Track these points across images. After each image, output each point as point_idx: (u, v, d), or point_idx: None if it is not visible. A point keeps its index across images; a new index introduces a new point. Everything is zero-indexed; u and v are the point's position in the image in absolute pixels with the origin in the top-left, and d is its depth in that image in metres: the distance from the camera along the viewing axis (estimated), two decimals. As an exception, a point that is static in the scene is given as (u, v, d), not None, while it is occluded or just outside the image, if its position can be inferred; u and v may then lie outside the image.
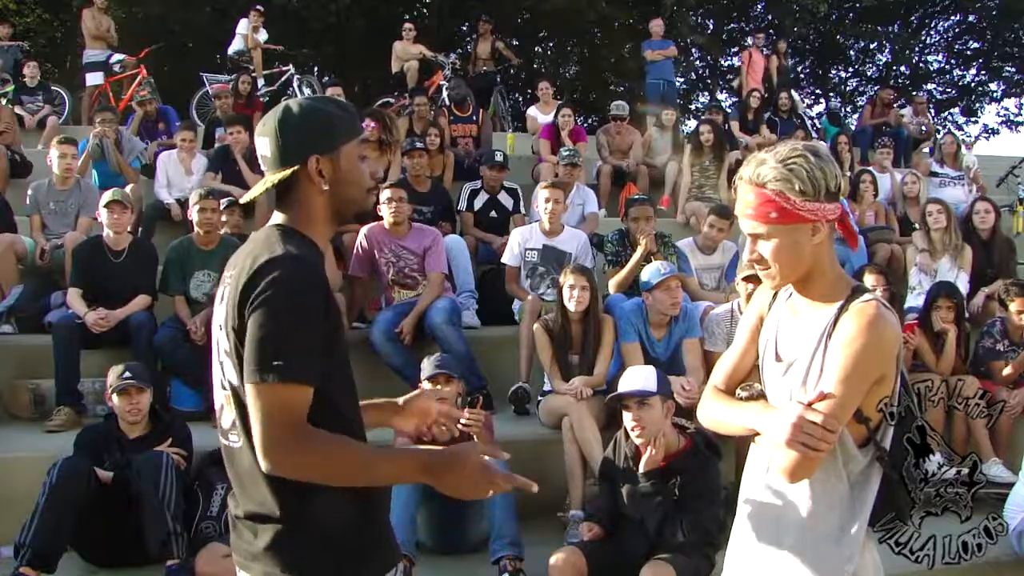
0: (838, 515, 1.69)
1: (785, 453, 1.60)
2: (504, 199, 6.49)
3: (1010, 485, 4.01)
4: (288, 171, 1.55)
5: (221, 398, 1.59)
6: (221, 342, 1.55)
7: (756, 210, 1.64)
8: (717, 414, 1.85)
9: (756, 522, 1.82)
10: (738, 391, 1.83)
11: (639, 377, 3.37)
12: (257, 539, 1.52)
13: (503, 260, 5.51)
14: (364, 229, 5.15)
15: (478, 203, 6.45)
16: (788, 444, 1.57)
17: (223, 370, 1.55)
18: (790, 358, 1.72)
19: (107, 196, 5.03)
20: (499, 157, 6.48)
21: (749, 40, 13.10)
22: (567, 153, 6.68)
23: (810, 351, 1.68)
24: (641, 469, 3.28)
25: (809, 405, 1.58)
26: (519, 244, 5.40)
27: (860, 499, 1.68)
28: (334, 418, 1.49)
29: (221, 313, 1.56)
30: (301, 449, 1.41)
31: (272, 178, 1.57)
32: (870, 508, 1.68)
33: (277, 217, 1.61)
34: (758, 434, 1.73)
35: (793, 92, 11.21)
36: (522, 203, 6.54)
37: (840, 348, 1.61)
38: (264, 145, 1.58)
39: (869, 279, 5.01)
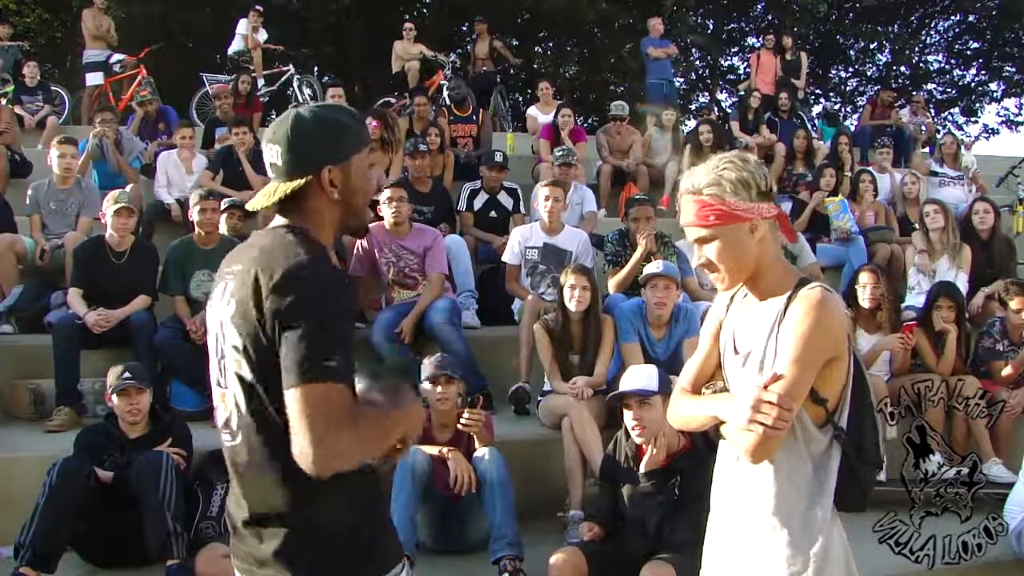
0: (805, 495, 1.77)
1: (746, 434, 1.70)
2: (504, 199, 6.49)
3: (1010, 485, 4.00)
4: (301, 181, 1.55)
5: (218, 396, 1.58)
6: (227, 337, 1.53)
7: (696, 216, 1.78)
8: (684, 411, 1.96)
9: (728, 512, 1.89)
10: (703, 389, 1.94)
11: (640, 376, 3.38)
12: (264, 543, 1.52)
13: (503, 258, 5.51)
14: None
15: (478, 203, 6.45)
16: (747, 424, 1.67)
17: (223, 366, 1.55)
18: (746, 349, 1.83)
19: (113, 201, 5.02)
20: (499, 157, 6.48)
21: (754, 41, 13.09)
22: (561, 153, 6.69)
23: (764, 340, 1.78)
24: (642, 469, 3.28)
25: (765, 387, 1.68)
26: (519, 242, 5.41)
27: (823, 479, 1.78)
28: None
29: (225, 309, 1.54)
30: (348, 443, 1.42)
31: (284, 187, 1.56)
32: (833, 487, 1.78)
33: (283, 219, 1.60)
34: (723, 423, 1.82)
35: (799, 87, 11.22)
36: (522, 203, 6.54)
37: (789, 331, 1.73)
38: (274, 153, 1.57)
39: (864, 278, 5.02)
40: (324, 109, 1.61)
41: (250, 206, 1.71)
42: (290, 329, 1.41)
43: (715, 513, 1.95)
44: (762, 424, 1.65)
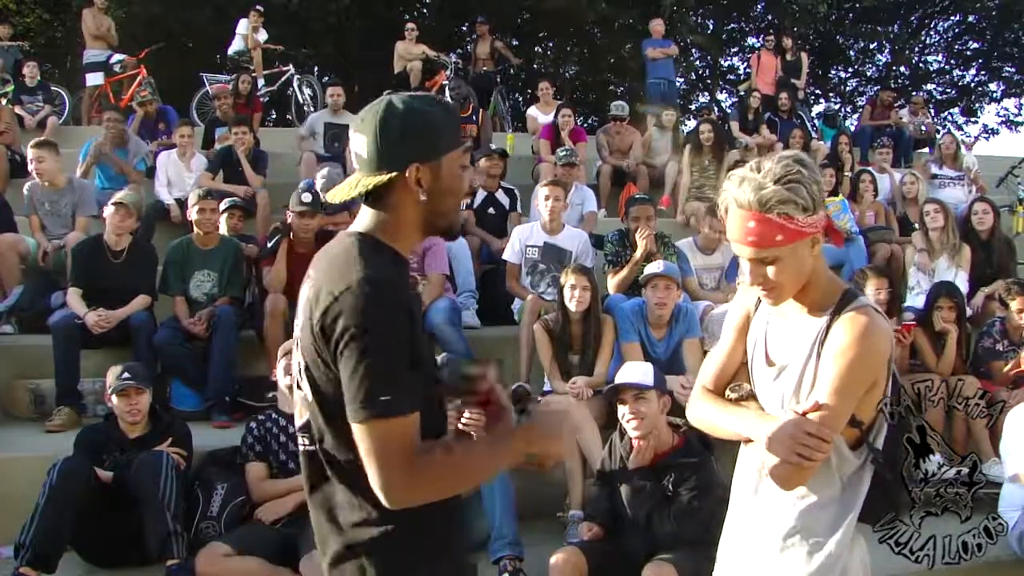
0: (829, 515, 1.71)
1: (780, 463, 1.61)
2: (501, 197, 6.51)
3: (1010, 484, 4.01)
4: (385, 177, 1.45)
5: (298, 397, 1.54)
6: (301, 350, 1.49)
7: (759, 236, 1.60)
8: (709, 417, 1.85)
9: (747, 522, 1.83)
10: (727, 392, 1.83)
11: (637, 371, 3.41)
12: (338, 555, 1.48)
13: (504, 257, 5.51)
14: None
15: (476, 201, 6.47)
16: (786, 455, 1.58)
17: (301, 372, 1.50)
18: (782, 363, 1.73)
19: (116, 196, 5.06)
20: (494, 146, 6.50)
21: (754, 41, 13.10)
22: (564, 153, 6.70)
23: (802, 358, 1.68)
24: (630, 466, 3.29)
25: (804, 415, 1.60)
26: (520, 241, 5.41)
27: (850, 499, 1.71)
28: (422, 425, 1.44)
29: (299, 317, 1.50)
30: (420, 479, 1.38)
31: (366, 181, 1.46)
32: (859, 506, 1.71)
33: (363, 219, 1.52)
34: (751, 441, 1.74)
35: (799, 87, 11.23)
36: (519, 203, 6.55)
37: (833, 358, 1.62)
38: (361, 144, 1.46)
39: (871, 282, 4.98)
40: (418, 101, 1.48)
41: (329, 197, 1.60)
42: (344, 357, 1.36)
43: (732, 520, 1.89)
44: (801, 456, 1.56)
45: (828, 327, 1.65)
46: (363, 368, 1.34)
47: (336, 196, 1.54)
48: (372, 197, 1.49)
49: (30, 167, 5.85)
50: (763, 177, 1.60)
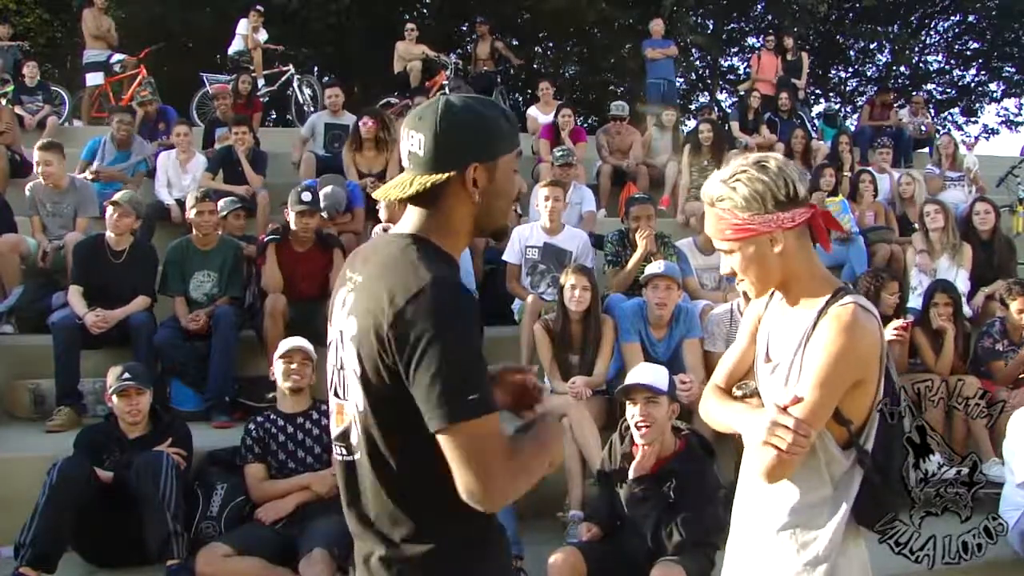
0: (821, 514, 1.72)
1: (762, 454, 1.64)
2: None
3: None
4: (443, 176, 1.42)
5: (335, 406, 1.52)
6: (346, 352, 1.45)
7: (714, 228, 1.71)
8: (713, 411, 1.91)
9: (747, 525, 1.86)
10: (734, 389, 1.88)
11: (650, 373, 3.34)
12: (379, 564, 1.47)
13: (504, 257, 5.51)
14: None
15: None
16: (763, 446, 1.62)
17: (342, 377, 1.48)
18: (776, 359, 1.76)
19: (114, 196, 5.09)
20: None
21: (754, 41, 13.10)
22: (561, 153, 6.70)
23: (791, 353, 1.71)
24: (633, 473, 3.24)
25: (784, 408, 1.62)
26: (520, 241, 5.41)
27: (841, 500, 1.71)
28: None
29: (344, 323, 1.46)
30: (519, 473, 1.38)
31: (422, 180, 1.43)
32: (850, 509, 1.71)
33: (411, 219, 1.48)
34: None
35: (800, 87, 11.23)
36: (518, 204, 6.55)
37: (815, 352, 1.64)
38: (416, 142, 1.44)
39: (888, 287, 4.86)
40: (476, 102, 1.48)
41: (379, 195, 1.58)
42: (421, 365, 1.32)
43: (735, 525, 1.91)
44: (777, 448, 1.60)
45: (815, 322, 1.67)
46: (447, 370, 1.31)
47: (387, 195, 1.50)
48: (423, 197, 1.46)
49: (37, 170, 5.83)
50: (720, 173, 1.70)
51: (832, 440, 1.69)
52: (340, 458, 1.51)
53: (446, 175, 1.42)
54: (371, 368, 1.39)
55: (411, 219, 1.49)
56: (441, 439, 1.33)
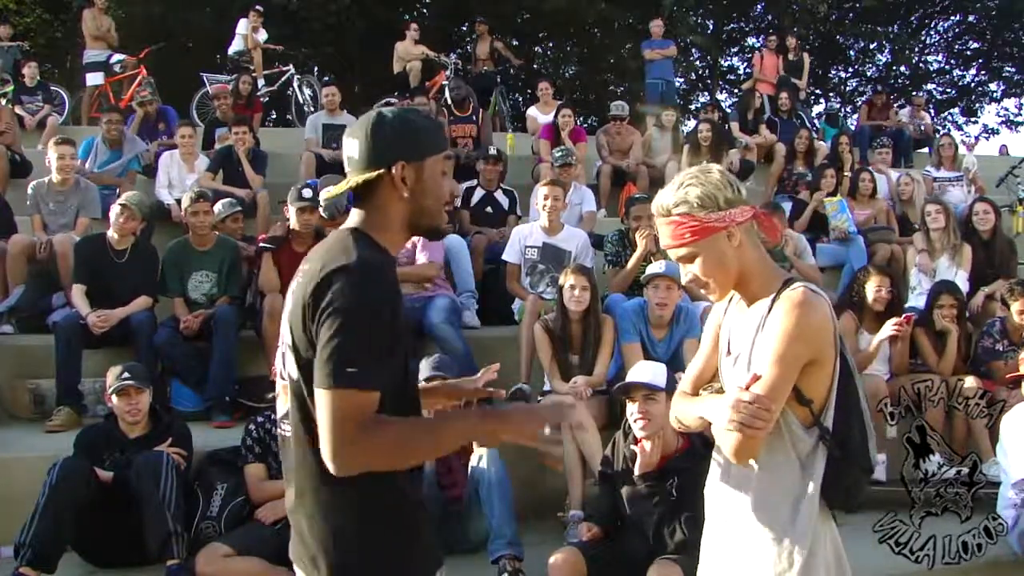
0: (792, 495, 1.79)
1: (729, 435, 1.72)
2: (500, 197, 6.52)
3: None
4: (373, 173, 1.58)
5: (279, 386, 1.63)
6: (284, 334, 1.59)
7: (672, 237, 1.80)
8: (680, 411, 2.00)
9: (719, 513, 1.93)
10: (701, 391, 1.98)
11: (648, 370, 3.38)
12: (301, 541, 1.59)
13: (504, 257, 5.51)
14: None
15: (474, 199, 6.47)
16: (728, 424, 1.69)
17: (284, 361, 1.60)
18: (737, 351, 1.86)
19: (122, 197, 5.12)
20: (492, 151, 6.52)
21: (754, 41, 13.11)
22: (560, 154, 6.70)
23: (750, 341, 1.81)
24: (636, 471, 3.27)
25: (746, 388, 1.70)
26: (519, 241, 5.41)
27: (810, 480, 1.78)
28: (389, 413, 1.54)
29: (287, 305, 1.61)
30: (366, 447, 1.45)
31: (356, 178, 1.60)
32: (819, 486, 1.79)
33: (354, 218, 1.64)
34: (711, 424, 1.84)
35: (800, 87, 11.23)
36: (518, 205, 6.55)
37: (770, 331, 1.75)
38: (352, 147, 1.61)
39: (872, 280, 4.97)
40: (404, 110, 1.67)
41: (322, 196, 1.80)
42: (323, 328, 1.46)
43: (708, 514, 1.98)
44: (741, 423, 1.66)
45: (769, 309, 1.78)
46: (337, 340, 1.44)
47: (328, 194, 1.72)
48: (361, 198, 1.62)
49: (53, 164, 5.82)
50: (669, 185, 1.83)
51: (796, 420, 1.77)
52: (283, 434, 1.64)
53: (376, 173, 1.58)
54: (298, 337, 1.53)
55: (353, 217, 1.65)
56: (317, 399, 1.46)
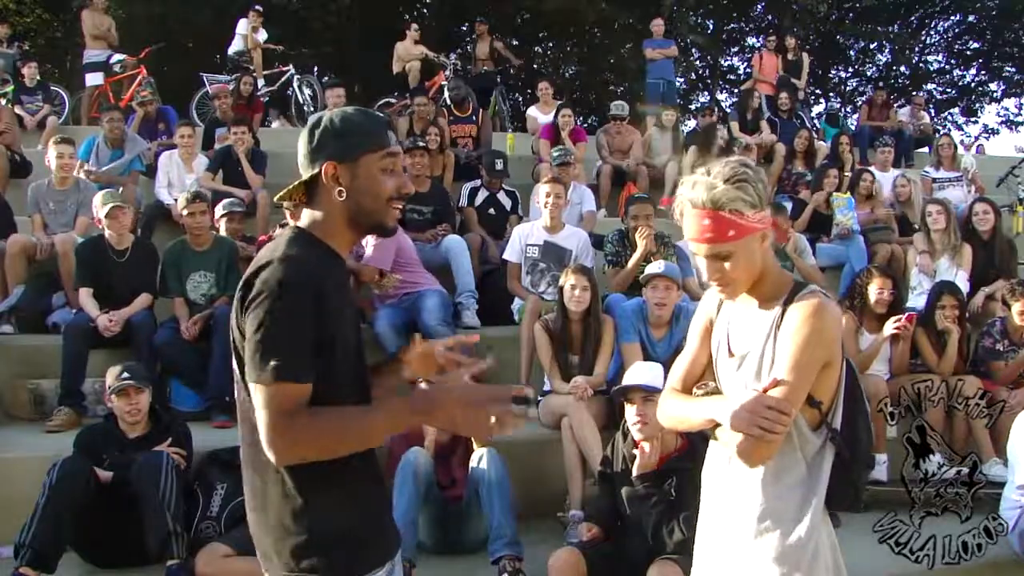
0: (797, 495, 1.79)
1: (744, 438, 1.70)
2: (503, 198, 6.51)
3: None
4: (307, 175, 1.62)
5: (237, 389, 1.66)
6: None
7: (714, 232, 1.74)
8: (677, 411, 1.96)
9: (720, 512, 1.92)
10: (695, 390, 1.95)
11: (645, 372, 3.37)
12: (256, 534, 1.61)
13: (504, 256, 5.51)
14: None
15: (478, 200, 6.47)
16: (747, 429, 1.67)
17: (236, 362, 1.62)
18: (742, 352, 1.84)
19: (102, 203, 5.02)
20: (499, 166, 6.49)
21: (754, 41, 13.11)
22: (558, 153, 6.71)
23: (761, 344, 1.80)
24: (635, 472, 3.26)
25: (764, 392, 1.70)
26: (520, 240, 5.41)
27: (815, 480, 1.80)
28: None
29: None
30: (298, 438, 1.47)
31: (300, 181, 1.64)
32: (825, 487, 1.80)
33: (304, 218, 1.67)
34: (717, 426, 1.82)
35: (800, 87, 11.23)
36: (520, 206, 6.56)
37: (789, 338, 1.74)
38: (298, 148, 1.65)
39: (875, 282, 4.95)
40: (346, 111, 1.66)
41: (275, 198, 1.79)
42: (248, 323, 1.50)
43: (705, 513, 1.97)
44: (763, 429, 1.65)
45: (783, 314, 1.77)
46: (260, 333, 1.47)
47: (278, 197, 1.74)
48: (308, 198, 1.66)
49: (53, 164, 5.83)
50: (714, 178, 1.74)
51: (804, 422, 1.78)
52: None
53: (310, 174, 1.62)
54: (236, 332, 1.56)
55: (303, 217, 1.69)
56: (251, 392, 1.50)
